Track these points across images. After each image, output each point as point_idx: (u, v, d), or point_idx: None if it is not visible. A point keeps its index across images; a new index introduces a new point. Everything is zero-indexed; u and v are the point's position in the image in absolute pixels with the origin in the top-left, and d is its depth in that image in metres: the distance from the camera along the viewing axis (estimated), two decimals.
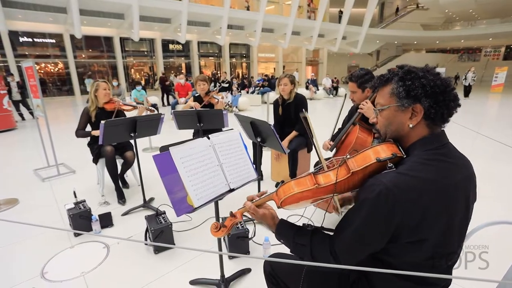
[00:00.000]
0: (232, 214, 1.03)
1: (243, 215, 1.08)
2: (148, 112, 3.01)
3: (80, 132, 2.83)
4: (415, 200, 0.73)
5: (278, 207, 0.93)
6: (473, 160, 0.87)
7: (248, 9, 16.19)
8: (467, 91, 12.28)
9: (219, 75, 15.31)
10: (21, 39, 13.33)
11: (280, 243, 0.99)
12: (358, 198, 0.80)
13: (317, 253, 0.87)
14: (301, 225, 0.96)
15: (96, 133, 2.75)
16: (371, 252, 0.82)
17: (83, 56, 15.52)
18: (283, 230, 0.97)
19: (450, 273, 0.87)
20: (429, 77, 0.79)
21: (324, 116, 8.75)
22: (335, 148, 2.22)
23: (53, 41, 14.17)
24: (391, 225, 0.75)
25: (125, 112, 3.03)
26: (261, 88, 11.59)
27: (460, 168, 0.82)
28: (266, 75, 14.28)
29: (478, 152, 4.43)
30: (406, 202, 0.73)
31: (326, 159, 0.98)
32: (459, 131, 5.59)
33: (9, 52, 12.30)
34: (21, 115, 8.04)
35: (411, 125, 0.82)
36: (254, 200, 1.02)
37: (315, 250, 0.87)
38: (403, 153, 0.84)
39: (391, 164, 0.79)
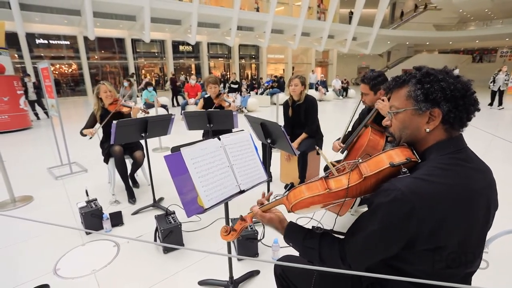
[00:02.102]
0: (242, 218, 1.02)
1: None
2: (143, 114, 2.85)
3: (83, 132, 2.89)
4: (432, 206, 0.70)
5: (289, 212, 0.92)
6: (489, 164, 0.84)
7: (257, 10, 16.21)
8: (499, 98, 9.20)
9: (228, 76, 15.40)
10: (37, 41, 13.76)
11: (289, 245, 0.98)
12: (372, 203, 0.78)
13: (326, 257, 0.85)
14: (310, 227, 0.94)
15: (87, 132, 2.81)
16: (382, 258, 0.80)
17: (96, 57, 15.88)
18: (292, 233, 0.96)
19: (469, 282, 0.84)
20: (449, 80, 0.75)
21: (333, 118, 8.66)
22: (346, 151, 2.19)
23: (68, 42, 14.55)
24: (406, 232, 0.72)
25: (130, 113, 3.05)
26: (270, 89, 11.57)
27: (481, 173, 0.79)
28: (275, 76, 14.27)
29: (495, 156, 4.29)
30: (423, 209, 0.70)
31: (337, 162, 0.96)
32: (475, 134, 5.43)
33: (26, 53, 12.71)
34: (36, 114, 8.27)
35: (428, 130, 0.79)
36: (263, 205, 1.00)
37: (324, 253, 0.86)
38: (418, 158, 0.81)
39: (405, 169, 0.76)
